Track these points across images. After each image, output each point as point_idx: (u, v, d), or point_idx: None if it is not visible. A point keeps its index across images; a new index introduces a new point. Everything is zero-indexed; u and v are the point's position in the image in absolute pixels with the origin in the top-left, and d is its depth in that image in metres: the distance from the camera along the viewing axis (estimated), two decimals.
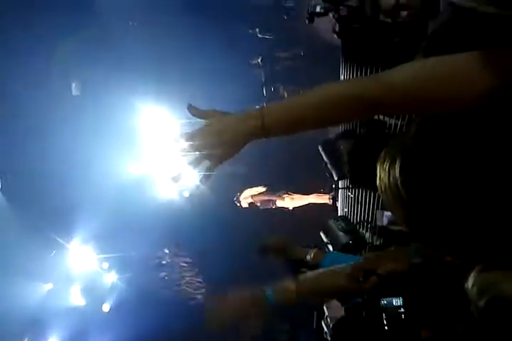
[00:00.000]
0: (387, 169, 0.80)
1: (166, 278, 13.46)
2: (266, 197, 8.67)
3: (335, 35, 5.41)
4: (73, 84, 11.03)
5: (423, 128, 0.79)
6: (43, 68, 10.31)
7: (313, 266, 2.77)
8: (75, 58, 10.51)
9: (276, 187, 8.93)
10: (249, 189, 8.79)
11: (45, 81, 10.38)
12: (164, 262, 13.37)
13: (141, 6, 10.49)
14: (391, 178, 0.78)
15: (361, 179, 1.97)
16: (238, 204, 8.85)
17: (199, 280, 13.26)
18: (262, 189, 8.76)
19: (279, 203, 8.62)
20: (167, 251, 13.27)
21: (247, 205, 8.78)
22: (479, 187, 0.69)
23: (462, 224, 0.72)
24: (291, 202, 8.58)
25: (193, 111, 1.23)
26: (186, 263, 13.30)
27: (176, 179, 1.25)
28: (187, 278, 13.38)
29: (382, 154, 0.83)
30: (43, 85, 10.30)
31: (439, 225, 0.75)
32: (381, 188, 0.83)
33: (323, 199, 8.41)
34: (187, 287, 13.43)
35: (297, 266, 2.75)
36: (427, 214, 0.75)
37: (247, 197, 8.73)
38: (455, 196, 0.71)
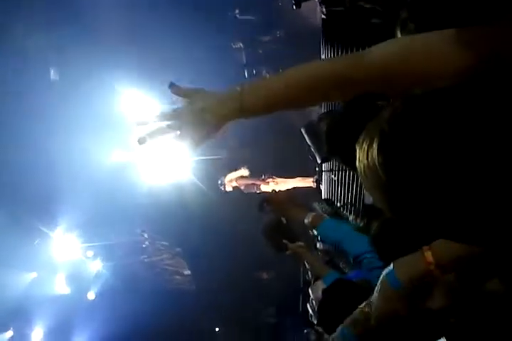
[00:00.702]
0: (365, 150, 0.79)
1: (146, 260, 13.63)
2: (250, 182, 8.68)
3: (323, 16, 5.40)
4: (52, 70, 10.84)
5: (399, 110, 0.77)
6: (20, 54, 10.13)
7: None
8: (54, 43, 10.33)
9: (260, 170, 8.93)
10: (232, 172, 8.77)
11: (23, 67, 10.21)
12: (144, 245, 13.67)
13: None
14: (369, 159, 0.77)
15: (340, 156, 1.96)
16: (222, 188, 8.82)
17: (177, 260, 13.56)
18: (244, 171, 8.75)
19: (264, 187, 8.62)
20: (146, 236, 13.52)
21: (231, 189, 8.77)
22: (457, 168, 0.68)
23: (442, 204, 0.72)
24: (275, 186, 8.57)
25: (175, 89, 1.23)
26: (163, 246, 13.63)
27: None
28: (166, 260, 13.72)
29: (361, 135, 0.82)
30: (21, 71, 10.12)
31: (418, 207, 0.75)
32: (360, 170, 0.81)
33: (308, 182, 8.44)
34: (167, 267, 13.66)
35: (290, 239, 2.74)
36: (406, 195, 0.74)
37: (231, 181, 8.72)
38: (434, 176, 0.70)
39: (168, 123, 1.20)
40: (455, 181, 0.68)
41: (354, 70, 1.05)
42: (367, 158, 0.78)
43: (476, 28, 0.96)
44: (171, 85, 1.23)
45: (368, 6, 4.43)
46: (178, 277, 13.77)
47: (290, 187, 8.58)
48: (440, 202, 0.71)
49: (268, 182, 8.60)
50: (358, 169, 0.82)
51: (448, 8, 1.15)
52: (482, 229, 0.73)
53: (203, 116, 1.16)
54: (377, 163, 0.75)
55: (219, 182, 8.89)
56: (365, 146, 0.79)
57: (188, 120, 1.18)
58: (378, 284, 1.39)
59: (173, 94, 1.23)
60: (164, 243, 13.47)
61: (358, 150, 0.82)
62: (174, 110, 1.21)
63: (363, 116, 0.84)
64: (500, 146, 0.66)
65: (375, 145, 0.76)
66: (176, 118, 1.19)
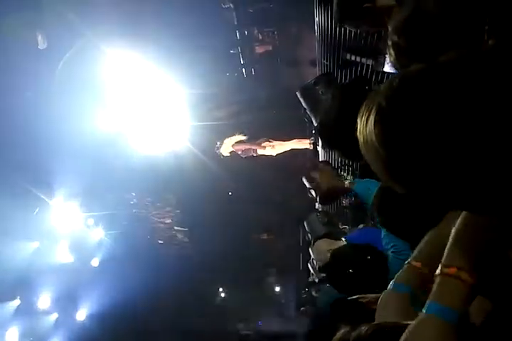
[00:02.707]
0: (364, 122, 0.82)
1: (136, 213, 14.97)
2: (247, 146, 8.61)
3: None
4: (39, 37, 10.57)
5: (395, 85, 0.79)
6: (7, 22, 9.87)
7: None
8: (41, 10, 10.06)
9: (257, 134, 8.88)
10: (228, 138, 8.69)
11: (10, 35, 9.96)
12: (132, 202, 14.86)
13: None
14: (368, 131, 0.81)
15: (339, 151, 2.06)
16: (219, 154, 8.77)
17: (166, 211, 14.59)
18: (240, 137, 8.67)
19: (260, 151, 8.58)
20: (133, 194, 14.50)
21: (228, 154, 8.72)
22: (448, 140, 0.71)
23: (435, 174, 0.75)
24: (272, 149, 8.54)
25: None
26: (148, 202, 14.81)
27: None
28: (153, 212, 15.05)
29: (362, 107, 0.85)
30: (8, 39, 9.89)
31: (414, 177, 0.78)
32: (360, 141, 0.85)
33: (304, 144, 8.39)
34: (154, 217, 15.02)
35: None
36: (402, 166, 0.78)
37: (227, 146, 8.65)
38: (427, 148, 0.73)
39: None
40: (447, 152, 0.72)
41: None
42: (365, 130, 0.81)
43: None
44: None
45: None
46: (166, 221, 14.91)
47: (287, 149, 8.56)
48: (433, 172, 0.75)
49: (265, 146, 8.55)
50: (359, 140, 0.85)
51: None
52: (477, 194, 0.76)
53: None
54: (374, 135, 0.79)
55: (216, 147, 8.83)
56: (364, 119, 0.82)
57: None
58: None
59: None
60: (149, 199, 14.60)
61: (358, 122, 0.85)
62: None
63: (358, 108, 0.86)
64: (493, 124, 0.69)
65: (372, 118, 0.80)
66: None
